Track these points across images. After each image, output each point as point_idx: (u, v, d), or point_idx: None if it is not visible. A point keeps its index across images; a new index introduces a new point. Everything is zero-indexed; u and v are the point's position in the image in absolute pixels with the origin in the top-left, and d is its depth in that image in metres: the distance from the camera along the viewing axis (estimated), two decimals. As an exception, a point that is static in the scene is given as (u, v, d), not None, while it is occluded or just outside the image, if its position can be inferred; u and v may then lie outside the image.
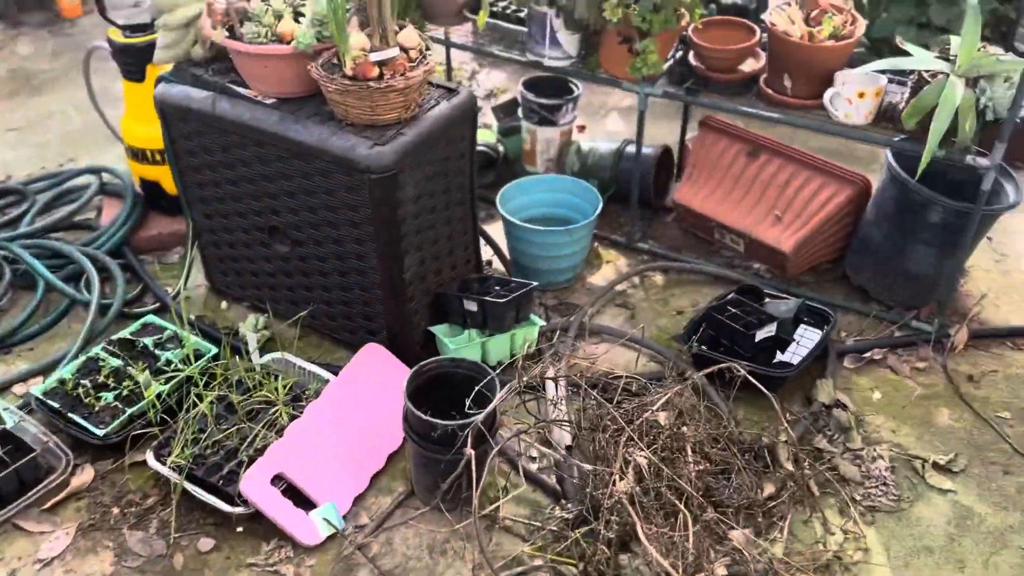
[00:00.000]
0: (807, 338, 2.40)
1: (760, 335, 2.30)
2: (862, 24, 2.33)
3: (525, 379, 1.87)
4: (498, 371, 2.15)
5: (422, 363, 1.93)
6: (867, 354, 2.40)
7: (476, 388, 1.85)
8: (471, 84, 3.80)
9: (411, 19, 2.80)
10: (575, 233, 2.52)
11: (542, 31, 2.58)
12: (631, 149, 2.86)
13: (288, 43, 2.02)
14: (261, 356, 2.28)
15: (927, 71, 2.17)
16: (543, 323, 2.39)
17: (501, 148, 3.22)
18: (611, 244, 2.86)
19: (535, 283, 2.36)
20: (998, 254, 2.79)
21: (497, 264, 2.74)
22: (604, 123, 3.55)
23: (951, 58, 2.17)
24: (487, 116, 3.47)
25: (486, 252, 2.72)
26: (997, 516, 1.97)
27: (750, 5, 3.76)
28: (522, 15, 2.70)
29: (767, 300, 2.46)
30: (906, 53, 2.25)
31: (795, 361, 2.31)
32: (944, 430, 2.18)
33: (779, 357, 2.34)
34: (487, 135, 3.21)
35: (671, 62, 2.60)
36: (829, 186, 2.60)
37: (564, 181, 2.77)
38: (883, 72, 2.29)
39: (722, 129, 2.80)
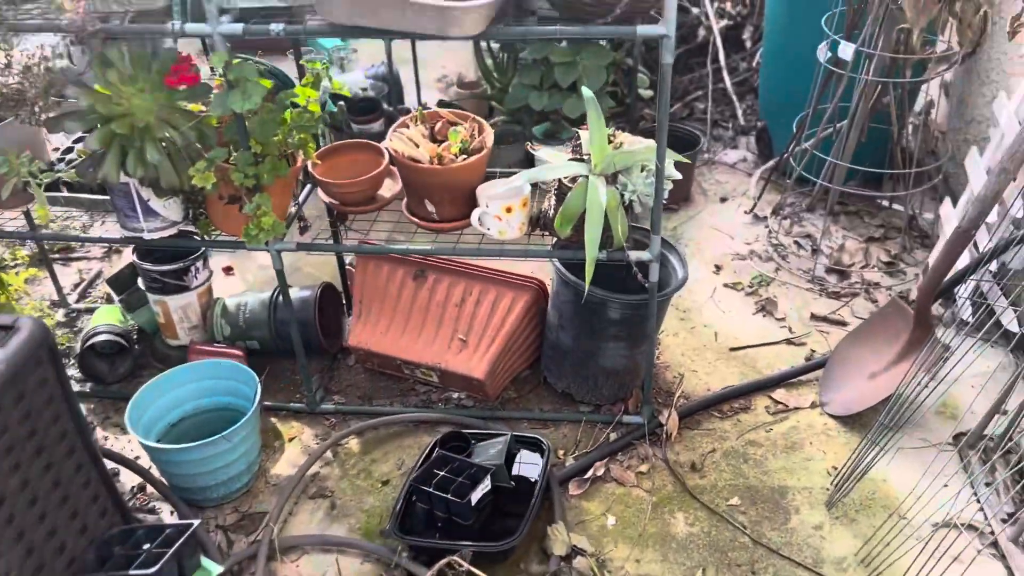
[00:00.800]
0: (526, 469, 2.16)
1: (476, 496, 2.01)
2: (490, 132, 2.13)
3: None
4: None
5: None
6: (589, 472, 2.21)
7: None
8: (82, 246, 3.17)
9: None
10: (235, 435, 2.06)
11: (130, 203, 2.10)
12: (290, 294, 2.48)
13: None
14: None
15: (566, 177, 2.01)
16: (220, 567, 1.91)
17: (134, 323, 2.67)
18: (291, 415, 2.44)
19: (195, 521, 1.88)
20: (681, 311, 2.76)
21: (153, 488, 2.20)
22: (255, 256, 3.11)
23: (585, 157, 2.03)
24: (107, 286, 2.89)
25: (133, 477, 2.19)
26: (759, 633, 1.84)
27: (380, 93, 3.54)
28: (104, 182, 2.20)
29: (474, 444, 2.19)
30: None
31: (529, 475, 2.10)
32: (684, 541, 2.04)
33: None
34: (112, 314, 2.64)
35: (298, 206, 2.25)
36: (505, 296, 2.39)
37: (206, 366, 2.29)
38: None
39: (380, 255, 2.50)
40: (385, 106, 3.39)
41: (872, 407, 2.28)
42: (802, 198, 3.21)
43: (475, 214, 2.10)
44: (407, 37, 1.76)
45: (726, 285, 2.87)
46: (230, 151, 2.02)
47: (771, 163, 3.31)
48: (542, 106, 3.22)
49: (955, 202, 2.77)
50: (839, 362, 2.41)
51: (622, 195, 2.00)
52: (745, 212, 3.23)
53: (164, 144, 1.95)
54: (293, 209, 2.26)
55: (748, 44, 4.11)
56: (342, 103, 3.27)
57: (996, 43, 2.84)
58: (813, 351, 2.56)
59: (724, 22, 4.10)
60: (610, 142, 2.03)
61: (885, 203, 3.18)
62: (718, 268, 2.95)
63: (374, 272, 2.50)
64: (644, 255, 2.04)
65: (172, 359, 2.56)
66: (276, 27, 1.80)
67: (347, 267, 2.78)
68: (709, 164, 3.56)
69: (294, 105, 2.08)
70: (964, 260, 2.39)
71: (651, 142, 2.02)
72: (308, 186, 2.38)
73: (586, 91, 2.01)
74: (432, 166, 2.05)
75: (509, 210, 2.07)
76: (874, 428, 2.08)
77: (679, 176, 2.08)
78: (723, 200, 3.32)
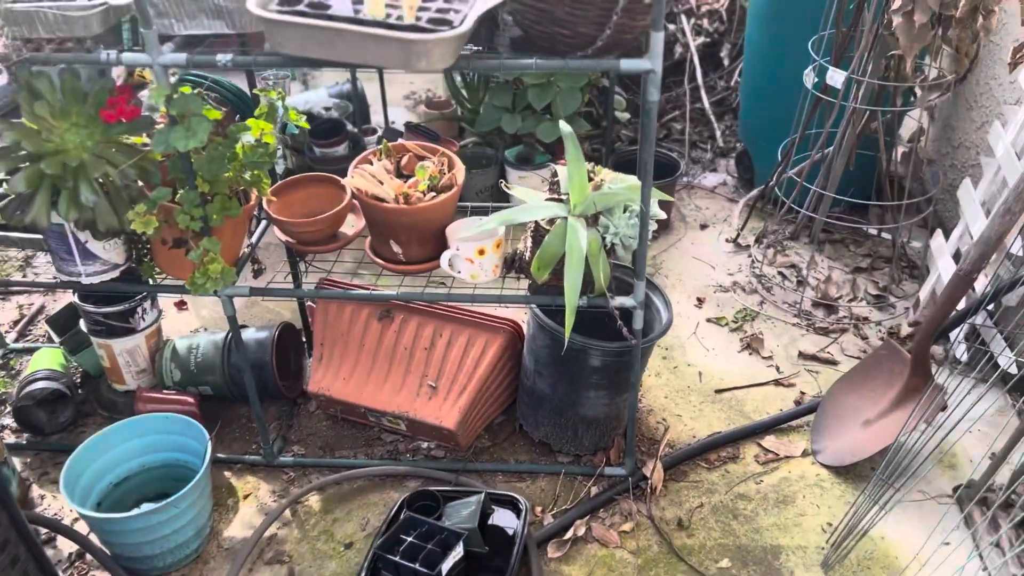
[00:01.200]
0: (502, 519, 2.01)
1: (447, 566, 1.84)
2: (461, 168, 1.97)
3: None
4: None
5: None
6: (569, 532, 2.05)
7: None
8: (23, 277, 2.96)
9: None
10: (181, 502, 1.88)
11: (65, 245, 1.92)
12: (244, 336, 2.30)
13: None
14: None
15: (543, 219, 1.86)
16: (163, 654, 1.74)
17: (77, 366, 2.48)
18: (246, 468, 2.26)
19: (137, 603, 1.70)
20: (663, 349, 2.62)
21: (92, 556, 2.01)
22: (211, 289, 2.92)
23: (564, 196, 1.88)
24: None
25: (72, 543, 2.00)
26: None
27: (345, 112, 3.37)
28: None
29: (445, 504, 2.02)
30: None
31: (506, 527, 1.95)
32: (673, 610, 1.89)
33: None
34: (53, 357, 2.44)
35: (251, 247, 2.07)
36: (478, 339, 2.23)
37: (151, 420, 2.10)
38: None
39: (343, 294, 2.33)
40: (350, 126, 3.22)
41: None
42: (785, 225, 3.09)
43: (445, 256, 1.94)
44: (368, 68, 1.60)
45: (709, 320, 2.73)
46: (175, 190, 1.84)
47: (755, 192, 3.19)
48: (515, 129, 3.07)
49: (946, 232, 2.66)
50: (831, 408, 2.28)
51: (603, 238, 1.85)
52: (727, 240, 3.11)
53: (101, 183, 1.77)
54: (247, 249, 2.08)
55: (726, 62, 4.00)
56: (306, 119, 3.09)
57: (986, 67, 2.74)
58: (803, 393, 2.43)
59: (701, 39, 3.98)
60: (590, 180, 1.88)
61: (872, 231, 3.07)
62: (700, 301, 2.81)
63: (336, 312, 2.33)
64: (627, 301, 1.89)
65: (119, 406, 2.37)
66: (223, 57, 1.62)
67: (308, 304, 2.60)
68: (688, 188, 3.43)
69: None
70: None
71: (634, 179, 1.88)
72: (264, 222, 2.20)
73: (564, 126, 1.86)
74: (398, 206, 1.88)
75: (482, 252, 1.91)
76: (871, 484, 1.95)
77: (664, 215, 1.94)
78: (703, 227, 3.19)
